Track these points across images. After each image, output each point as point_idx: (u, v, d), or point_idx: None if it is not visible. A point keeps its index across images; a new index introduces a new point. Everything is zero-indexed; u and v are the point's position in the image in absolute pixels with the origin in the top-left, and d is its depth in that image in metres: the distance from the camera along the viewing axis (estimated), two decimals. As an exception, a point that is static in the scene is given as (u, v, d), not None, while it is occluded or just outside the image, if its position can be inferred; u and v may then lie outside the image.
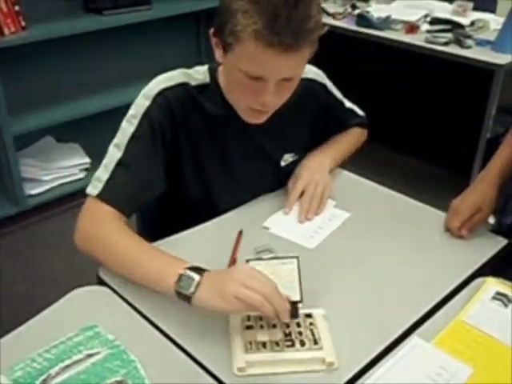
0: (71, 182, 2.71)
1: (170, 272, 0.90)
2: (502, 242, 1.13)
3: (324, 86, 1.32)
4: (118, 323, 0.92)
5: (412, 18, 2.68)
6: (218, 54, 1.06)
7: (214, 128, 1.18)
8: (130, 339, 0.88)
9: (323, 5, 2.92)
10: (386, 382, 0.82)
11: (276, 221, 1.20)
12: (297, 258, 0.97)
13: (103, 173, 1.08)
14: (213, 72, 1.17)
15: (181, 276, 0.89)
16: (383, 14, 2.68)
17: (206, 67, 1.19)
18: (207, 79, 1.17)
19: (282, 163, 1.30)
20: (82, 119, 2.60)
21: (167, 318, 0.93)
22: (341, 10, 2.87)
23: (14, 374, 0.80)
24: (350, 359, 0.85)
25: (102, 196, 1.06)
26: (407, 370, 0.84)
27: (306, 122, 1.31)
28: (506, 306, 0.95)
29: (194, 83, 1.15)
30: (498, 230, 1.17)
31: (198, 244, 1.06)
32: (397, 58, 2.80)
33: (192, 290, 0.88)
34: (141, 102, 1.11)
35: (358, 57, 3.09)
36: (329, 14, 2.84)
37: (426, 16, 2.73)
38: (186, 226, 1.18)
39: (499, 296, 0.97)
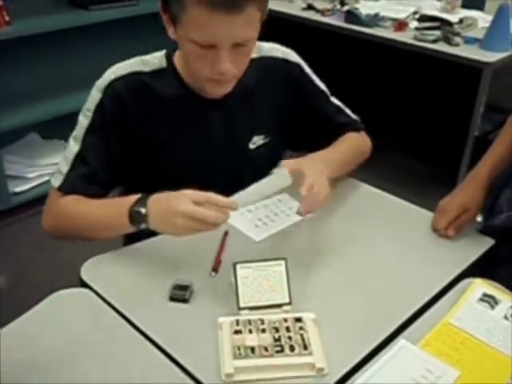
0: (57, 179, 2.68)
1: (123, 214, 1.01)
2: (489, 242, 1.12)
3: (298, 66, 1.28)
4: (100, 327, 0.90)
5: (401, 15, 2.68)
6: (170, 30, 1.07)
7: (172, 112, 1.17)
8: (113, 343, 0.87)
9: (310, 1, 2.90)
10: (371, 385, 0.81)
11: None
12: (285, 259, 0.95)
13: (64, 165, 1.14)
14: (169, 56, 1.18)
15: (130, 213, 1.00)
16: (372, 11, 2.68)
17: (163, 52, 1.19)
18: (164, 64, 1.17)
19: (251, 146, 1.25)
20: (67, 116, 2.55)
21: (151, 322, 0.91)
22: (329, 6, 2.85)
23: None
24: (336, 362, 0.84)
25: (63, 188, 1.13)
26: (393, 373, 0.83)
27: (279, 103, 1.26)
28: (492, 307, 0.94)
29: (148, 69, 1.16)
30: (485, 231, 1.17)
31: (181, 245, 1.05)
32: (385, 55, 2.79)
33: (144, 224, 1.00)
34: (94, 95, 1.14)
35: (346, 54, 3.08)
36: (317, 11, 2.82)
37: (414, 13, 2.73)
38: None
39: (486, 297, 0.96)
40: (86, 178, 1.13)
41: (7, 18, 2.36)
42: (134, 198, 1.03)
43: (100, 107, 1.13)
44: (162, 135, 1.18)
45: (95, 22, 2.61)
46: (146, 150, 1.18)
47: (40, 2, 2.61)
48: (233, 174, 1.25)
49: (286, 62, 1.27)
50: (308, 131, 1.32)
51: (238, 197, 0.99)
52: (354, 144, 1.31)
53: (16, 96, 2.57)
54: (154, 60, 1.17)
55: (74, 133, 1.15)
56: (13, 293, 2.05)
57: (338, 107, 1.35)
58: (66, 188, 1.13)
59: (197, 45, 1.01)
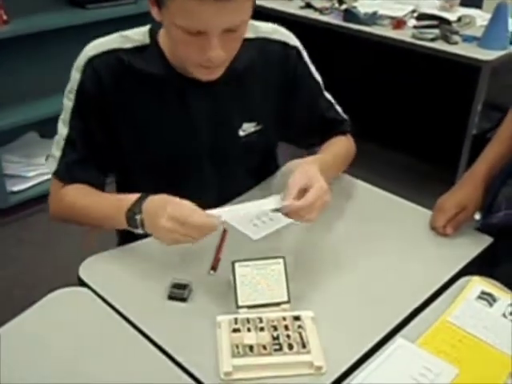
0: (55, 178, 2.68)
1: (121, 216, 1.01)
2: (487, 240, 1.12)
3: (296, 50, 1.21)
4: (98, 325, 0.90)
5: (399, 13, 2.67)
6: (154, 11, 1.00)
7: (153, 92, 1.11)
8: (111, 342, 0.86)
9: (309, -1, 2.90)
10: (370, 383, 0.81)
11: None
12: (283, 258, 0.95)
13: (56, 150, 1.14)
14: (154, 33, 1.11)
15: (128, 218, 1.01)
16: (370, 10, 2.67)
17: (146, 28, 1.13)
18: (147, 40, 1.11)
19: (241, 133, 1.18)
20: (65, 115, 2.56)
21: (149, 320, 0.91)
22: (327, 4, 2.85)
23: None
24: (335, 360, 0.84)
25: (58, 174, 1.14)
26: (391, 371, 0.83)
27: (274, 89, 1.20)
28: (490, 305, 0.94)
29: (129, 45, 1.10)
30: (484, 229, 1.17)
31: (180, 244, 1.04)
32: (383, 53, 2.79)
33: (140, 229, 1.00)
34: (74, 76, 1.11)
35: (345, 52, 3.08)
36: (315, 9, 2.82)
37: (413, 11, 2.73)
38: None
39: (484, 295, 0.96)
40: (80, 164, 1.13)
41: (5, 18, 2.36)
42: (133, 199, 1.01)
43: (81, 88, 1.09)
44: (142, 117, 1.13)
45: (93, 21, 2.60)
46: (126, 132, 1.13)
47: (38, 1, 2.60)
48: (221, 161, 1.20)
49: (284, 45, 1.19)
50: (297, 122, 1.27)
51: (227, 210, 0.97)
52: (345, 148, 1.29)
53: (14, 95, 2.56)
54: (136, 36, 1.11)
55: (62, 116, 1.13)
56: (11, 291, 2.05)
57: (329, 102, 1.30)
58: (63, 176, 1.14)
59: (184, 31, 0.94)
